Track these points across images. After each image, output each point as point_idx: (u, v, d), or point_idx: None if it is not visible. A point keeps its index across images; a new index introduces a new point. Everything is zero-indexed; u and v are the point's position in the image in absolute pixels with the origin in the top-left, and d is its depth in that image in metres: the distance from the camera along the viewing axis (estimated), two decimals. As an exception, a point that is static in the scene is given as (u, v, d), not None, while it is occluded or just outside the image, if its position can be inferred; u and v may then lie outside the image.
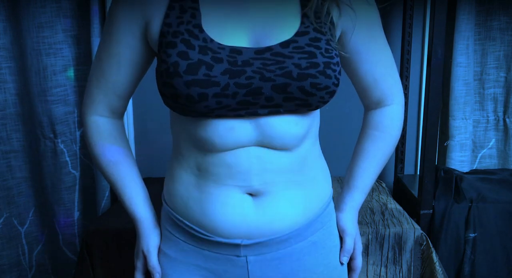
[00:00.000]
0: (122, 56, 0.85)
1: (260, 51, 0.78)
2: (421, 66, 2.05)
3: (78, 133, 1.90)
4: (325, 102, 0.82)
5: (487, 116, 2.07)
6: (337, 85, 0.81)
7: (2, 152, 1.86)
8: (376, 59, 0.90)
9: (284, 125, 0.81)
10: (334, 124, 2.01)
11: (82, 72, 1.86)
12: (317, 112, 0.89)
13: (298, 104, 0.80)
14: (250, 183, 0.82)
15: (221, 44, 0.78)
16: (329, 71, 0.79)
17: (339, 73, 0.82)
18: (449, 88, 1.98)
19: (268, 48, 0.79)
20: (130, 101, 1.99)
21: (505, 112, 2.05)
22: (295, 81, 0.77)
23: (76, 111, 1.88)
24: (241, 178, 0.82)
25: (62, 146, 1.87)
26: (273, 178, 0.83)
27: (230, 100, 0.77)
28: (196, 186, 0.85)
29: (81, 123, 0.96)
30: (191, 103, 0.76)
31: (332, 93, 0.81)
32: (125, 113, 2.09)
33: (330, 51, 0.81)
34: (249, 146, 0.81)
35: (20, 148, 1.89)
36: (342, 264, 0.94)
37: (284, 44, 0.79)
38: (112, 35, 0.85)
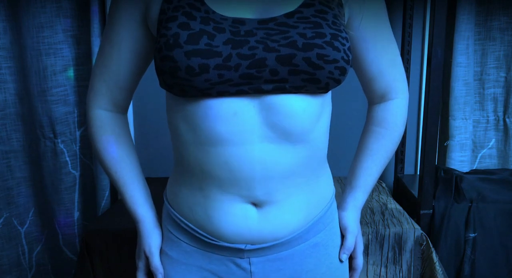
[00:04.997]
0: (123, 44, 0.85)
1: (264, 22, 0.77)
2: (421, 66, 2.05)
3: (78, 133, 1.90)
4: (335, 81, 0.78)
5: (487, 116, 2.07)
6: (347, 62, 0.78)
7: (2, 152, 1.86)
8: (382, 49, 0.89)
9: (290, 107, 0.77)
10: (334, 124, 2.01)
11: (82, 72, 1.86)
12: (327, 104, 0.86)
13: (305, 79, 0.76)
14: (253, 192, 0.81)
15: (223, 15, 0.77)
16: (337, 44, 0.76)
17: (349, 50, 0.79)
18: (449, 88, 1.98)
19: (273, 19, 0.77)
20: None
21: (505, 112, 2.05)
22: (301, 52, 0.74)
23: (76, 111, 1.88)
24: (244, 186, 0.80)
25: (62, 146, 1.87)
26: (277, 186, 0.81)
27: (232, 73, 0.74)
28: (200, 190, 0.83)
29: (85, 116, 0.96)
30: (191, 77, 0.73)
31: (342, 70, 0.77)
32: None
33: (338, 24, 0.79)
34: (252, 142, 0.78)
35: (20, 148, 1.89)
36: (341, 261, 0.93)
37: (289, 14, 0.77)
38: (114, 22, 0.85)
